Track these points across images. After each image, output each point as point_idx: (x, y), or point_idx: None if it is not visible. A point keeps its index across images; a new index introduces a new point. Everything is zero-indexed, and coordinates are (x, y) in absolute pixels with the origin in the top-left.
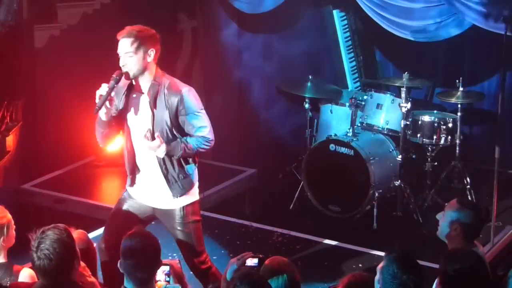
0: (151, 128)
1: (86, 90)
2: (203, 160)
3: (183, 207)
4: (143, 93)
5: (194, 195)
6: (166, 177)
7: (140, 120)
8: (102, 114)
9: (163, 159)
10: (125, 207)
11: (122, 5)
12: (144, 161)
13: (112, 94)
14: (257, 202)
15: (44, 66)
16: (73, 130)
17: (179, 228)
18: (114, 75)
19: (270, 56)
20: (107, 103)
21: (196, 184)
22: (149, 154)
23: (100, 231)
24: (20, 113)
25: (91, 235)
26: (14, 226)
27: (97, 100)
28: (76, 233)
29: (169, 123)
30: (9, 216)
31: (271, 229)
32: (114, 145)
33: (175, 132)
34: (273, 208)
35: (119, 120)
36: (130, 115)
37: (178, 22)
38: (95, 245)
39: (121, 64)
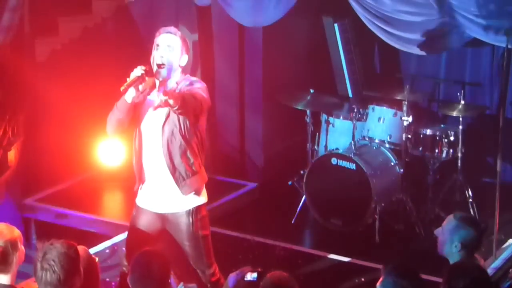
0: (162, 127)
1: (88, 104)
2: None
3: (192, 218)
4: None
5: (202, 196)
6: (173, 175)
7: (152, 120)
8: (129, 95)
9: (170, 158)
10: (137, 226)
11: (123, 19)
12: (152, 162)
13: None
14: (259, 216)
15: (46, 80)
16: (75, 145)
17: (188, 243)
18: (145, 67)
19: (270, 69)
20: (140, 86)
21: (204, 186)
22: (157, 154)
23: (102, 246)
24: (21, 127)
25: (93, 250)
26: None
27: (128, 79)
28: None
29: (180, 118)
30: (18, 231)
31: (273, 243)
32: (115, 161)
33: (185, 132)
34: (274, 222)
35: (135, 113)
36: (144, 115)
37: None
38: (96, 259)
39: (159, 55)
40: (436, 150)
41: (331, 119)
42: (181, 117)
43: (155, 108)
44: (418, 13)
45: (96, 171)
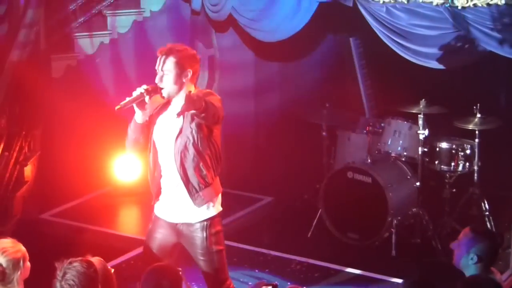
0: (175, 140)
1: (103, 119)
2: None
3: (206, 233)
4: (175, 111)
5: (216, 208)
6: (187, 187)
7: (165, 134)
8: (138, 116)
9: (184, 170)
10: (153, 240)
11: (139, 35)
12: (166, 174)
13: (147, 100)
14: (275, 230)
15: (62, 96)
16: (91, 160)
17: (202, 258)
18: (148, 86)
19: (286, 83)
20: (146, 106)
21: (219, 198)
22: (171, 166)
23: (118, 260)
24: (38, 143)
25: (109, 264)
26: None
27: (127, 98)
28: (94, 260)
29: (194, 131)
30: (23, 249)
31: (289, 257)
32: (131, 176)
33: (199, 144)
34: (291, 236)
35: (149, 130)
36: (158, 130)
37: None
38: (112, 271)
39: (156, 81)
40: (452, 164)
41: (346, 133)
42: (194, 130)
43: (179, 114)
44: (433, 27)
45: (112, 186)
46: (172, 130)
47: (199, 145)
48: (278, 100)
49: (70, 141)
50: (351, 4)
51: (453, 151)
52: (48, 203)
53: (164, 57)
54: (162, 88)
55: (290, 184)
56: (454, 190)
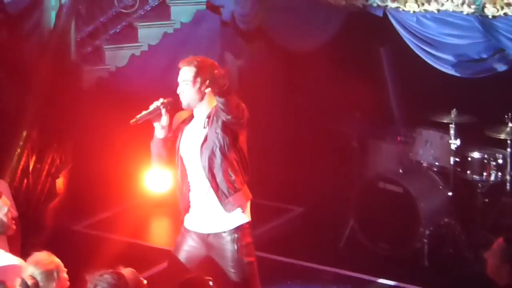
0: (200, 147)
1: (134, 131)
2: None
3: (237, 245)
4: (199, 123)
5: (246, 215)
6: (217, 193)
7: (192, 145)
8: (158, 131)
9: (213, 176)
10: (180, 251)
11: (170, 46)
12: (195, 184)
13: (163, 113)
14: (306, 241)
15: (93, 108)
16: (122, 172)
17: (233, 270)
18: (164, 99)
19: (316, 93)
20: (164, 120)
21: (248, 206)
22: (199, 175)
23: (149, 272)
24: (69, 155)
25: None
26: (66, 269)
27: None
28: (125, 272)
29: (219, 136)
30: (57, 260)
31: (321, 267)
32: (162, 187)
33: (225, 148)
34: (322, 246)
35: (173, 144)
36: (184, 143)
37: (225, 62)
38: (145, 282)
39: (178, 92)
40: (484, 173)
41: (377, 143)
42: (220, 135)
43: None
44: (463, 36)
45: (143, 198)
46: (197, 139)
47: (226, 150)
48: (308, 110)
49: (102, 153)
50: (381, 14)
51: (485, 161)
52: (80, 215)
53: (185, 67)
54: (182, 100)
55: (321, 195)
56: (486, 199)
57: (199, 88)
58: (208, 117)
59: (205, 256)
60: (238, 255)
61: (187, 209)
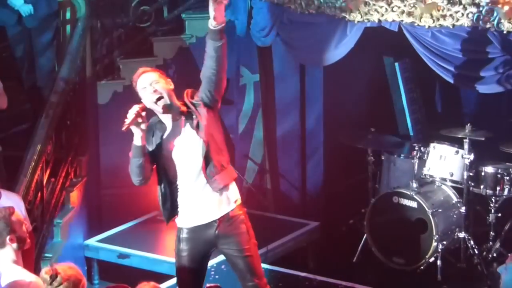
0: (201, 152)
1: None
2: (266, 214)
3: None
4: (178, 122)
5: (235, 193)
6: (205, 173)
7: (186, 148)
8: (137, 138)
9: (206, 159)
10: (184, 259)
11: (184, 60)
12: (190, 183)
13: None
14: (321, 255)
15: (108, 122)
16: (136, 186)
17: (247, 253)
18: (139, 106)
19: (331, 108)
20: (142, 126)
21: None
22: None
23: (165, 285)
24: (84, 168)
25: None
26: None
27: (126, 120)
28: (149, 286)
29: (203, 117)
30: (81, 273)
31: (335, 282)
32: None
33: (208, 130)
34: (336, 261)
35: (153, 154)
36: (177, 148)
37: (241, 76)
38: None
39: (151, 91)
40: (498, 188)
41: (392, 157)
42: (203, 115)
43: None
44: (479, 51)
45: (158, 212)
46: (189, 134)
47: (211, 130)
48: (323, 125)
49: (116, 167)
50: (396, 29)
51: (499, 176)
52: (95, 229)
53: (148, 72)
54: (160, 98)
55: (336, 209)
56: (499, 214)
57: (166, 84)
58: (183, 111)
59: (208, 253)
60: (250, 235)
61: (172, 216)
